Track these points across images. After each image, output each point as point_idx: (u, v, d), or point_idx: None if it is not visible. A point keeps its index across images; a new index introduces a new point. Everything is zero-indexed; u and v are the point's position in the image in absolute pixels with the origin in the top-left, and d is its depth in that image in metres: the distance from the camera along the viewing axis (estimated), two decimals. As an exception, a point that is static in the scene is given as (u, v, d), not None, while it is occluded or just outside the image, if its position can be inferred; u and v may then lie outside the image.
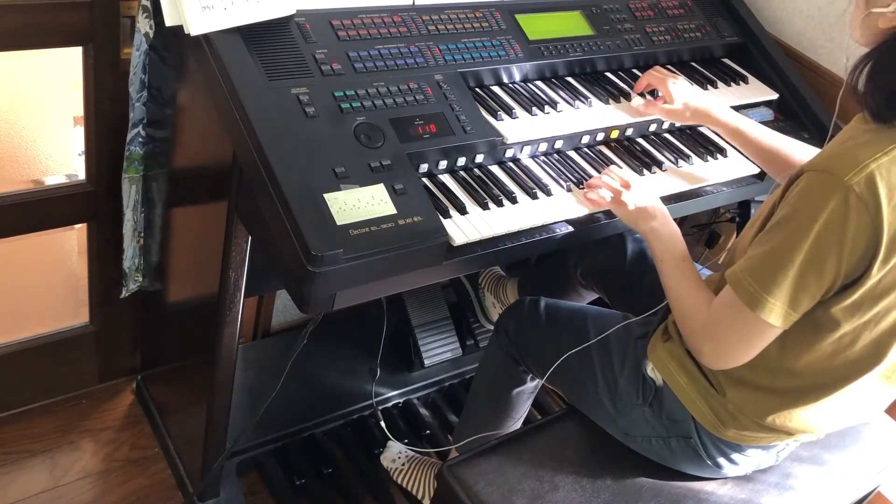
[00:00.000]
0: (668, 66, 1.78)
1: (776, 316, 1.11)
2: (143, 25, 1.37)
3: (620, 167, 1.51)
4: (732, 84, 1.81)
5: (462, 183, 1.35)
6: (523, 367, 1.61)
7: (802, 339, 1.19)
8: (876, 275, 1.09)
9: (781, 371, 1.22)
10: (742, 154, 1.60)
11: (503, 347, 1.62)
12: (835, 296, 1.13)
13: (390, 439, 1.86)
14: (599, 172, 1.48)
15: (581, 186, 1.44)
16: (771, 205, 1.19)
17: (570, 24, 1.66)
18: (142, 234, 1.67)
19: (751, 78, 1.85)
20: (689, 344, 1.27)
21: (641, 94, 1.62)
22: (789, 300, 1.11)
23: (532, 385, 1.65)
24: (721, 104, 1.58)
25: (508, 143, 1.41)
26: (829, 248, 1.07)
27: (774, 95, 1.82)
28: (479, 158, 1.40)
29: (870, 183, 1.05)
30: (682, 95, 1.56)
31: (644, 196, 1.37)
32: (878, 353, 1.19)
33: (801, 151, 1.50)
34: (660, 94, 1.60)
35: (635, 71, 1.73)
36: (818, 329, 1.17)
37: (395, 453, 1.87)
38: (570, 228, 1.37)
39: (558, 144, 1.51)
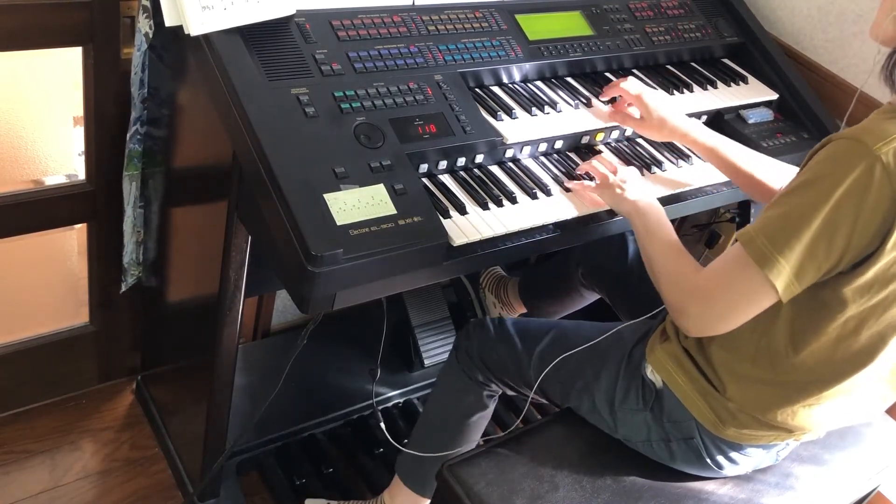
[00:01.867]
0: (669, 67, 1.78)
1: (782, 280, 1.09)
2: (144, 25, 1.37)
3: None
4: (732, 84, 1.81)
5: (462, 183, 1.36)
6: (495, 386, 1.57)
7: (809, 322, 1.18)
8: (889, 252, 1.08)
9: (782, 363, 1.22)
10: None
11: (466, 371, 1.57)
12: (846, 274, 1.12)
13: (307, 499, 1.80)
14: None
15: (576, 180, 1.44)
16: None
17: (570, 24, 1.66)
18: (140, 231, 1.68)
19: (751, 78, 1.85)
20: (673, 309, 1.23)
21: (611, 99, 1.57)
22: (796, 268, 1.09)
23: (490, 410, 1.61)
24: (698, 123, 1.51)
25: (508, 143, 1.41)
26: (845, 215, 1.06)
27: (774, 95, 1.82)
28: (479, 158, 1.40)
29: None
30: (659, 111, 1.49)
31: (631, 179, 1.38)
32: (879, 345, 1.18)
33: (776, 174, 1.46)
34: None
35: (635, 71, 1.73)
36: (825, 310, 1.16)
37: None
38: (570, 228, 1.37)
39: (558, 145, 1.51)
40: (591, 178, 1.44)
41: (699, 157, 1.62)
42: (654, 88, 1.65)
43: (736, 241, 1.16)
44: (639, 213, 1.32)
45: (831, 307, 1.15)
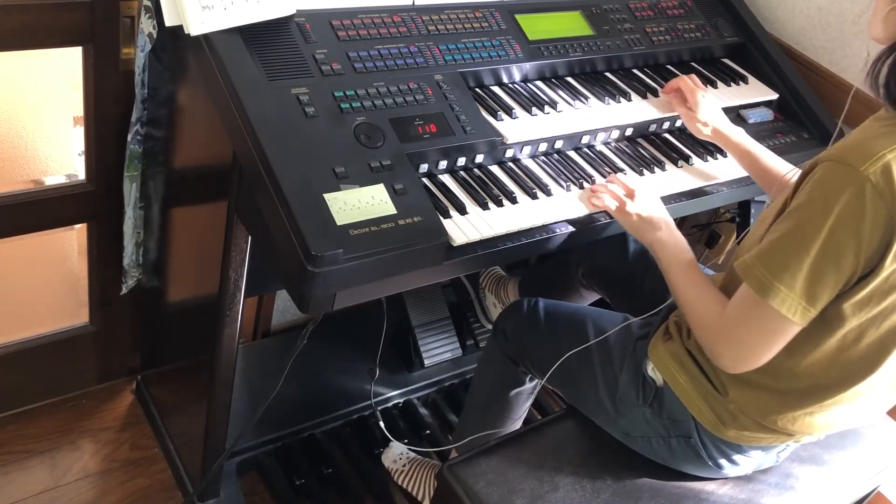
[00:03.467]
0: (669, 67, 1.78)
1: (789, 306, 1.09)
2: (147, 26, 1.37)
3: (624, 172, 1.51)
4: (732, 84, 1.81)
5: (462, 183, 1.35)
6: (522, 368, 1.60)
7: (809, 336, 1.18)
8: (888, 268, 1.08)
9: (785, 371, 1.22)
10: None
11: (501, 348, 1.61)
12: (846, 291, 1.12)
13: (392, 440, 1.86)
14: (600, 173, 1.48)
15: (581, 187, 1.44)
16: (784, 199, 1.18)
17: (570, 24, 1.66)
18: (140, 232, 1.68)
19: (751, 78, 1.85)
20: (707, 350, 1.24)
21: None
22: (806, 294, 1.09)
23: (531, 386, 1.65)
24: (739, 129, 1.58)
25: (508, 143, 1.41)
26: (847, 240, 1.06)
27: (774, 95, 1.82)
28: (479, 158, 1.40)
29: (886, 173, 1.04)
30: (708, 111, 1.58)
31: (648, 205, 1.37)
32: (882, 353, 1.18)
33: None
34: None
35: (635, 71, 1.73)
36: (825, 324, 1.16)
37: (396, 454, 1.87)
38: (571, 228, 1.37)
39: (558, 144, 1.51)
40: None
41: (699, 157, 1.62)
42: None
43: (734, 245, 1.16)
44: (661, 245, 1.33)
45: (831, 322, 1.16)
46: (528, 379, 1.63)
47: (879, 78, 1.12)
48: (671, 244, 1.33)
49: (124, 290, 1.74)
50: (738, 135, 1.56)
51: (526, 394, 1.66)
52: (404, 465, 1.84)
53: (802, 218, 1.09)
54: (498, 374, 1.64)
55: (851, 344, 1.18)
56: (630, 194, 1.38)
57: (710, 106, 1.59)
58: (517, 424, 1.69)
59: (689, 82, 1.61)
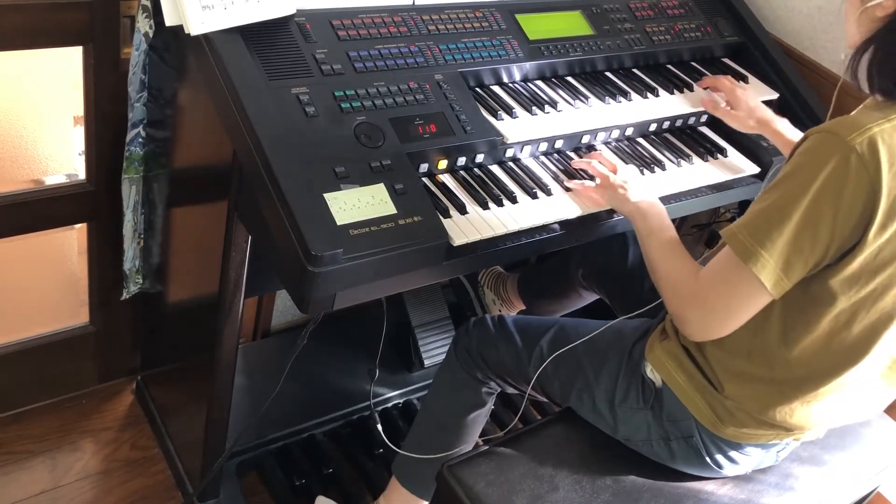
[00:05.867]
0: (669, 66, 1.78)
1: (768, 274, 1.10)
2: (143, 25, 1.37)
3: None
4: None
5: (462, 183, 1.35)
6: (488, 387, 1.56)
7: (801, 318, 1.18)
8: (873, 242, 1.09)
9: (780, 359, 1.22)
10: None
11: (465, 368, 1.56)
12: (832, 266, 1.13)
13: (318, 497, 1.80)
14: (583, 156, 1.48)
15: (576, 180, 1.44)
16: None
17: (570, 23, 1.66)
18: (141, 236, 1.67)
19: (751, 78, 1.85)
20: (675, 315, 1.25)
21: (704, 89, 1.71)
22: (783, 262, 1.10)
23: (489, 407, 1.60)
24: (783, 119, 1.60)
25: (508, 142, 1.41)
26: (825, 207, 1.07)
27: (774, 95, 1.82)
28: (480, 158, 1.40)
29: (871, 145, 1.05)
30: (748, 104, 1.62)
31: (632, 179, 1.38)
32: (873, 337, 1.19)
33: None
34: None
35: (635, 70, 1.73)
36: (815, 304, 1.16)
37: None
38: (571, 228, 1.37)
39: (558, 144, 1.51)
40: (591, 178, 1.44)
41: (699, 157, 1.62)
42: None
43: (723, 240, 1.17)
44: (641, 214, 1.33)
45: (821, 301, 1.16)
46: (490, 399, 1.59)
47: (860, 71, 1.14)
48: (652, 214, 1.33)
49: (126, 296, 1.74)
50: (783, 124, 1.59)
51: (484, 416, 1.61)
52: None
53: (788, 186, 1.10)
54: (460, 395, 1.58)
55: (843, 327, 1.18)
56: (612, 169, 1.41)
57: (750, 98, 1.63)
58: (470, 446, 1.62)
59: (725, 82, 1.67)
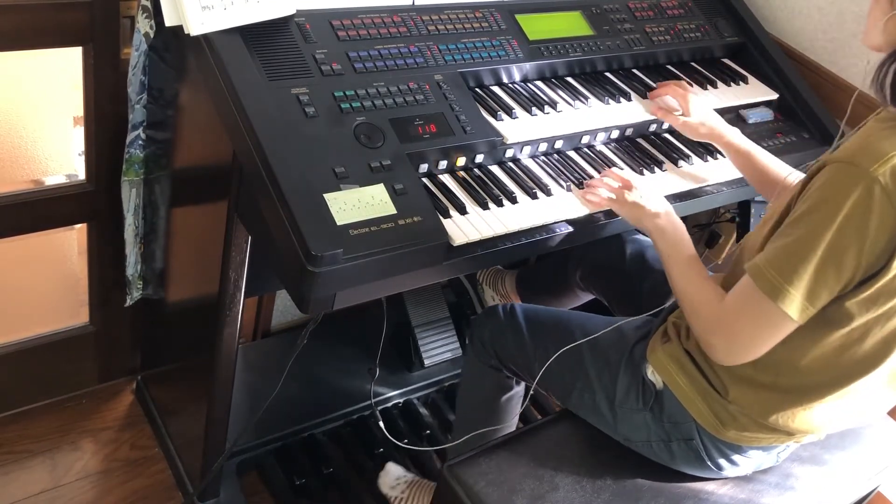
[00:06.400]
0: (669, 66, 1.78)
1: (795, 308, 1.10)
2: (143, 25, 1.37)
3: (621, 168, 1.51)
4: (732, 84, 1.81)
5: (462, 183, 1.35)
6: (506, 373, 1.59)
7: (810, 334, 1.18)
8: (895, 269, 1.09)
9: (785, 368, 1.22)
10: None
11: (481, 358, 1.60)
12: (851, 290, 1.12)
13: (388, 461, 1.84)
14: (600, 173, 1.48)
15: (581, 187, 1.44)
16: (788, 200, 1.18)
17: (570, 24, 1.66)
18: (142, 240, 1.67)
19: (751, 78, 1.85)
20: (700, 339, 1.25)
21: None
22: (807, 293, 1.10)
23: (521, 388, 1.63)
24: (734, 128, 1.58)
25: (508, 143, 1.41)
26: (850, 240, 1.06)
27: (774, 95, 1.82)
28: (479, 158, 1.40)
29: (894, 174, 1.04)
30: (701, 112, 1.57)
31: (648, 193, 1.37)
32: (885, 351, 1.18)
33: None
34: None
35: (635, 71, 1.73)
36: (828, 324, 1.16)
37: (393, 479, 1.83)
38: (570, 228, 1.37)
39: (558, 144, 1.51)
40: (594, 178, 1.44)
41: (699, 157, 1.62)
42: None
43: (737, 249, 1.16)
44: (659, 231, 1.33)
45: (836, 321, 1.16)
46: (515, 382, 1.62)
47: (886, 82, 1.12)
48: (671, 232, 1.32)
49: (129, 303, 1.74)
50: (734, 134, 1.56)
51: (518, 396, 1.64)
52: (403, 492, 1.80)
53: (812, 221, 1.09)
54: (484, 384, 1.62)
55: (856, 342, 1.18)
56: (627, 185, 1.38)
57: (703, 106, 1.59)
58: (512, 426, 1.68)
59: (676, 88, 1.60)
